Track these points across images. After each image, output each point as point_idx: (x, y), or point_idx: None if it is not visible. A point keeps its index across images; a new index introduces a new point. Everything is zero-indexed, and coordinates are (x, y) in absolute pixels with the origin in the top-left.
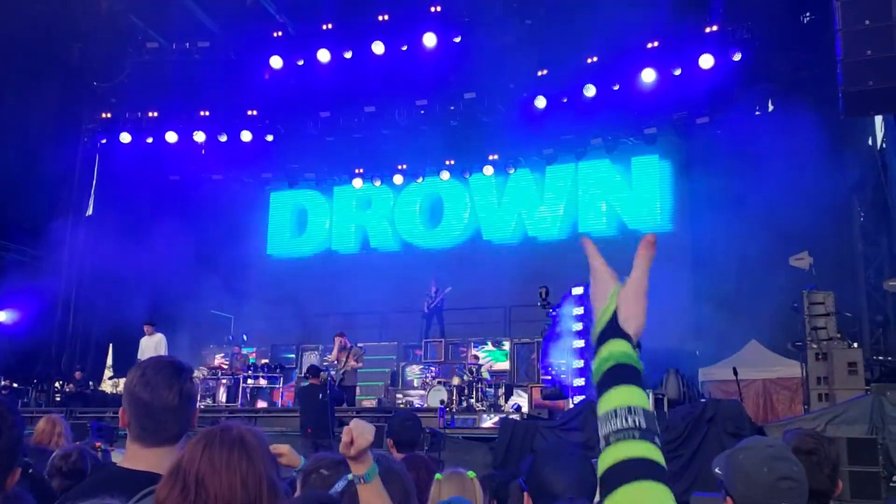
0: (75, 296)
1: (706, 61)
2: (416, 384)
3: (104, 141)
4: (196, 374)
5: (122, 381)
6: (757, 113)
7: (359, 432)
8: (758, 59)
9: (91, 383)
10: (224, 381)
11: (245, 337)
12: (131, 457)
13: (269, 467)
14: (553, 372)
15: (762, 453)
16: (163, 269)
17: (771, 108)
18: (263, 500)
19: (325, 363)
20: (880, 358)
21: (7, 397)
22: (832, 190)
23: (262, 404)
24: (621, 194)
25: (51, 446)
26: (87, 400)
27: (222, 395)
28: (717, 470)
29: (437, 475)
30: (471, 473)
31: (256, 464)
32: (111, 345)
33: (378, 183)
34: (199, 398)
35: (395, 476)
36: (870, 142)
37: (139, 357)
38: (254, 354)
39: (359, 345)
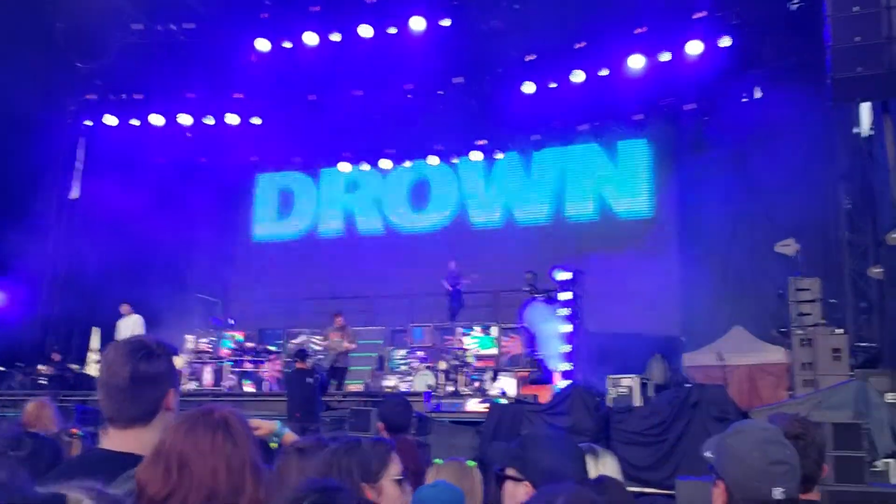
0: (60, 279)
1: (694, 47)
2: (402, 369)
3: (89, 123)
4: (181, 358)
5: None
6: (744, 100)
7: None
8: (746, 46)
9: (75, 366)
10: (210, 364)
11: (231, 321)
12: (108, 438)
13: (253, 451)
14: (539, 357)
15: (755, 437)
16: (149, 253)
17: (759, 94)
18: (247, 484)
19: (319, 344)
20: (864, 344)
21: None
22: (819, 177)
23: (248, 388)
24: (608, 180)
25: (38, 430)
26: (65, 382)
27: (208, 379)
28: (707, 454)
29: (437, 459)
30: (471, 462)
31: (241, 447)
32: (96, 328)
33: (366, 167)
34: (170, 376)
35: None
36: (856, 129)
37: (116, 339)
38: (242, 334)
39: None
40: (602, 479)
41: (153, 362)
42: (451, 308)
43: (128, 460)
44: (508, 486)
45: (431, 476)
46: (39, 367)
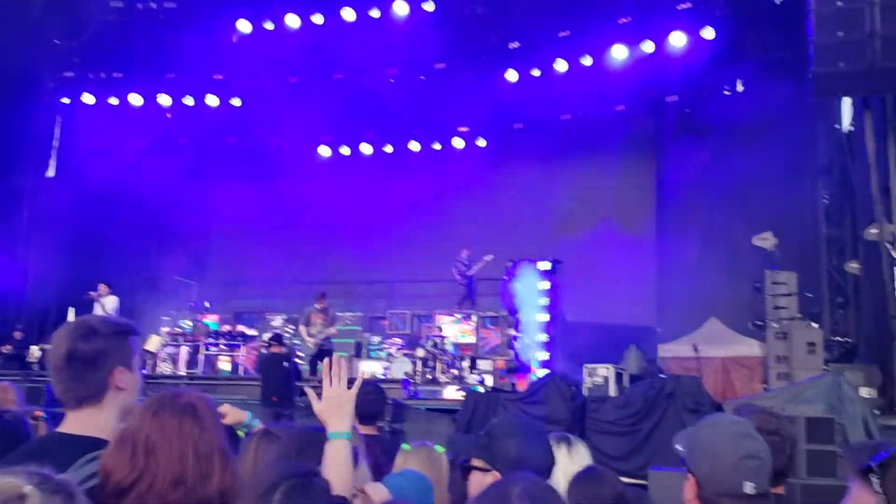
0: (35, 258)
1: (678, 39)
2: (380, 355)
3: (66, 101)
4: (156, 339)
5: None
6: (727, 93)
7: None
8: (730, 39)
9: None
10: (185, 347)
11: (207, 304)
12: (68, 421)
13: (220, 435)
14: (517, 346)
15: (727, 430)
16: (126, 234)
17: (741, 88)
18: (215, 470)
19: (301, 333)
20: (839, 339)
21: None
22: (799, 171)
23: (223, 365)
24: (588, 169)
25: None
26: (24, 362)
27: (183, 363)
28: (678, 447)
29: (405, 445)
30: (438, 448)
31: (208, 431)
32: (72, 308)
33: (346, 150)
34: (115, 354)
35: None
36: (837, 125)
37: None
38: (218, 317)
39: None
40: (591, 469)
41: (92, 340)
42: (470, 298)
43: (85, 443)
44: (476, 476)
45: (400, 461)
46: (1, 347)
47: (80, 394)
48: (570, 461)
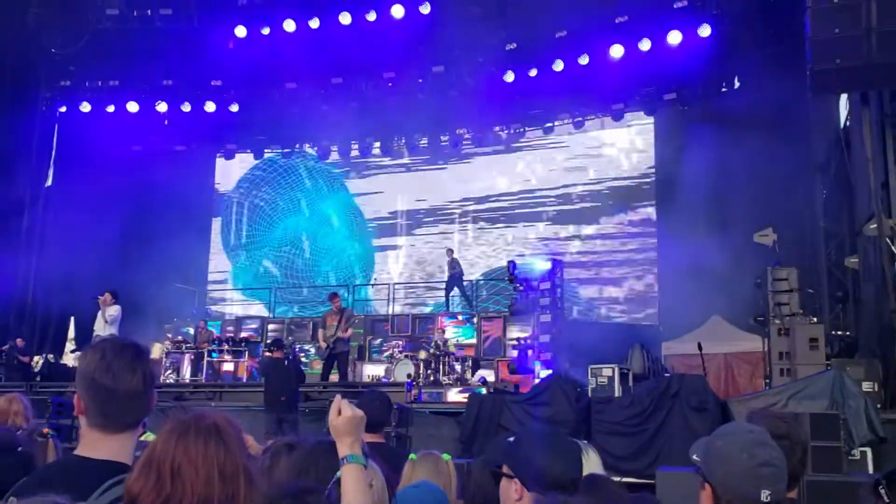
0: (35, 268)
1: (674, 37)
2: (381, 357)
3: (63, 109)
4: (159, 347)
5: None
6: (724, 90)
7: (337, 411)
8: (726, 36)
9: (52, 356)
10: (189, 355)
11: (210, 311)
12: (89, 444)
13: (245, 456)
14: (520, 346)
15: (742, 439)
16: (126, 241)
17: (738, 85)
18: (241, 490)
19: (318, 334)
20: (840, 333)
21: None
22: (797, 167)
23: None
24: (586, 168)
25: (9, 426)
26: (28, 373)
27: (186, 370)
28: (694, 457)
29: (412, 455)
30: (445, 455)
31: (233, 452)
32: (73, 318)
33: (343, 155)
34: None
35: None
36: (834, 120)
37: (95, 329)
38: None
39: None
40: (594, 479)
41: (153, 367)
42: (464, 296)
43: (106, 468)
44: (503, 482)
45: (408, 471)
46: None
47: (135, 418)
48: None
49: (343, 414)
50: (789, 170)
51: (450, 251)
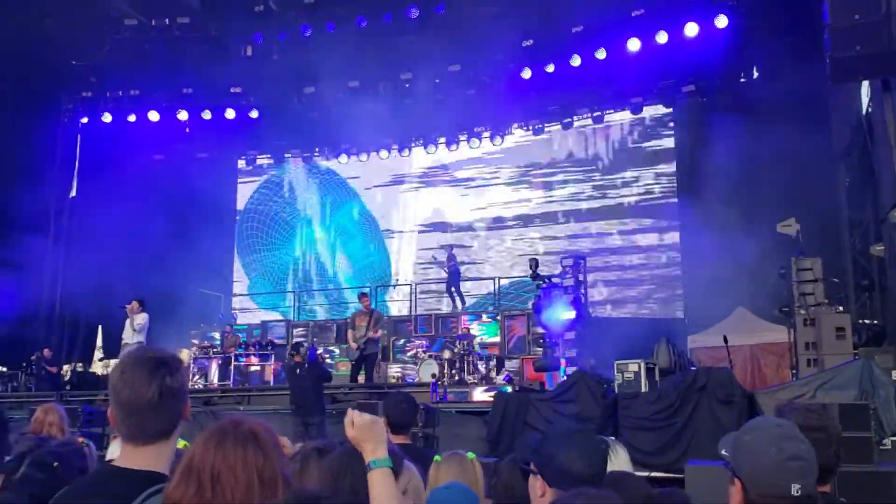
0: (62, 278)
1: (691, 29)
2: (405, 358)
3: (85, 121)
4: (187, 353)
5: (113, 362)
6: (742, 80)
7: (351, 423)
8: (743, 26)
9: (80, 365)
10: (216, 360)
11: (235, 315)
12: (125, 456)
13: (282, 461)
14: (545, 343)
15: (770, 433)
16: (150, 249)
17: (756, 74)
18: (280, 495)
19: (347, 335)
20: (867, 322)
21: None
22: (819, 156)
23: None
24: (606, 162)
25: (43, 436)
26: (57, 383)
27: (214, 375)
28: (723, 452)
29: (437, 457)
30: (470, 454)
31: (270, 458)
32: (100, 326)
33: (364, 157)
34: (187, 388)
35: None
36: (856, 107)
37: (123, 337)
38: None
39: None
40: (617, 476)
41: (176, 377)
42: (457, 292)
43: (144, 477)
44: (530, 479)
45: (433, 473)
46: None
47: (161, 429)
48: (610, 465)
49: (356, 423)
50: (811, 159)
51: (450, 247)
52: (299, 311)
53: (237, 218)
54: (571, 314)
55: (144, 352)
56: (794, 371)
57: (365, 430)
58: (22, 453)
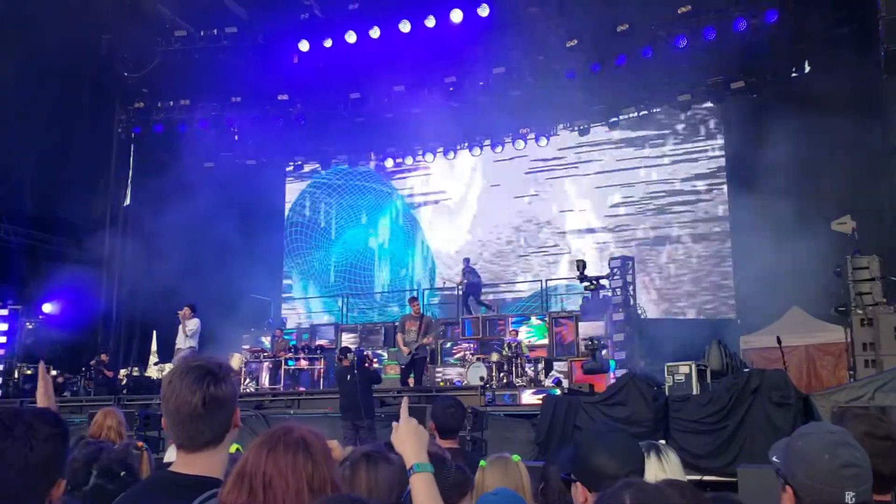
0: (117, 285)
1: (739, 24)
2: (453, 361)
3: (138, 131)
4: (238, 358)
5: (168, 366)
6: (794, 74)
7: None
8: (793, 19)
9: (136, 369)
10: (266, 363)
11: (285, 319)
12: (180, 462)
13: (332, 468)
14: (592, 346)
15: (823, 440)
16: (202, 255)
17: (808, 68)
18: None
19: (397, 339)
20: None
21: (46, 409)
22: (874, 150)
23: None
24: (656, 164)
25: (102, 440)
26: (114, 387)
27: (265, 379)
28: (774, 458)
29: (482, 462)
30: (515, 457)
31: (321, 465)
32: (155, 331)
33: (410, 161)
34: (236, 395)
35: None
36: None
37: (176, 342)
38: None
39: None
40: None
41: (221, 386)
42: (478, 302)
43: (199, 483)
44: (572, 488)
45: (479, 478)
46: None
47: (208, 438)
48: (660, 470)
49: (400, 426)
50: (867, 153)
51: (466, 260)
52: (346, 314)
53: (285, 222)
54: (620, 315)
55: (192, 361)
56: (852, 372)
57: (406, 433)
58: (87, 461)
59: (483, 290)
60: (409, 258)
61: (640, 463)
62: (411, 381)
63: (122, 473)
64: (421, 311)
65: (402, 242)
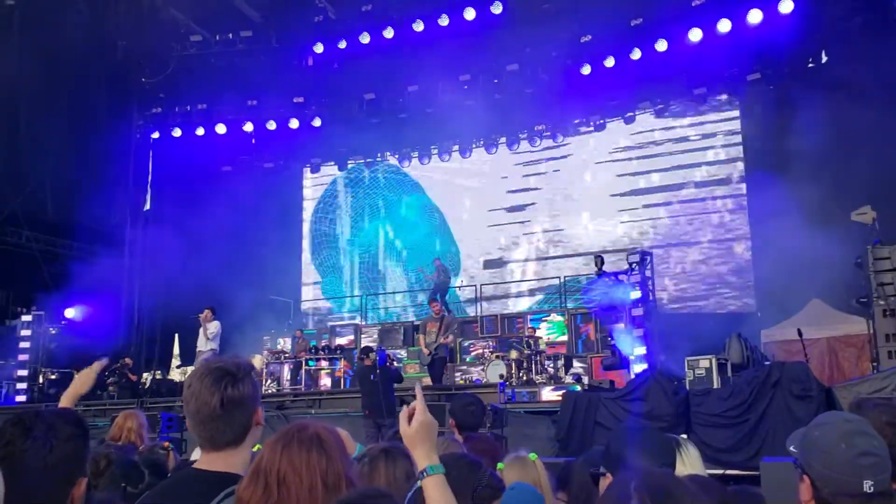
0: (139, 289)
1: (755, 16)
2: (472, 359)
3: (156, 136)
4: (259, 359)
5: (190, 369)
6: (811, 65)
7: (407, 422)
8: (810, 9)
9: (159, 372)
10: (287, 364)
11: (305, 320)
12: (204, 460)
13: (347, 464)
14: (613, 342)
15: (839, 429)
16: (222, 257)
17: (825, 59)
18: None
19: (418, 339)
20: None
21: (67, 409)
22: (893, 139)
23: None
24: (675, 158)
25: (122, 442)
26: (137, 390)
27: (286, 379)
28: (791, 448)
29: (500, 464)
30: (532, 455)
31: (335, 461)
32: (177, 334)
33: (426, 161)
34: (256, 395)
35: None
36: None
37: (198, 345)
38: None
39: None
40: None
41: (239, 387)
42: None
43: (222, 479)
44: (601, 482)
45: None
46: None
47: (229, 438)
48: (680, 464)
49: (420, 421)
50: (886, 142)
51: (436, 259)
52: (367, 313)
53: (304, 224)
54: (639, 311)
55: (212, 363)
56: (875, 364)
57: (425, 430)
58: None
59: (492, 284)
60: (427, 256)
61: (670, 457)
62: (426, 380)
63: (147, 473)
64: (442, 311)
65: (421, 240)
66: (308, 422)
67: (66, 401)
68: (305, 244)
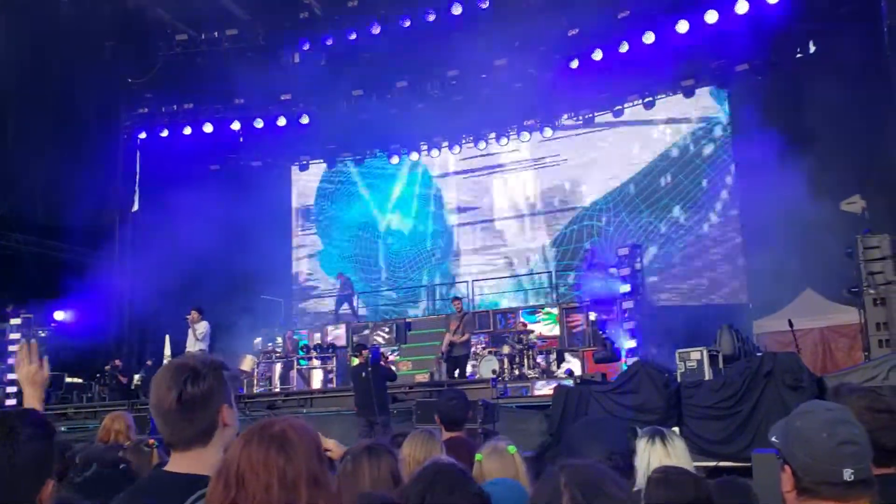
0: (130, 290)
1: (741, 6)
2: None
3: (143, 136)
4: (250, 359)
5: None
6: (799, 55)
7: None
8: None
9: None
10: (279, 364)
11: (296, 320)
12: (173, 461)
13: (311, 462)
14: (605, 334)
15: (821, 417)
16: (212, 258)
17: (813, 48)
18: (302, 497)
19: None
20: None
21: (30, 410)
22: (882, 129)
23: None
24: (663, 150)
25: (110, 443)
26: (127, 392)
27: (277, 379)
28: (773, 438)
29: (478, 455)
30: (510, 448)
31: (295, 461)
32: (167, 335)
33: (415, 156)
34: (222, 393)
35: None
36: None
37: (187, 346)
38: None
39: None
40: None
41: (199, 383)
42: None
43: (193, 481)
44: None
45: (477, 470)
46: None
47: (190, 435)
48: (665, 455)
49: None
50: (876, 132)
51: (340, 273)
52: (359, 311)
53: (295, 222)
54: (629, 304)
55: (177, 359)
56: (867, 353)
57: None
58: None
59: (484, 280)
60: (417, 252)
61: (620, 444)
62: (424, 376)
63: (113, 468)
64: (463, 309)
65: (412, 237)
66: (278, 419)
67: (32, 401)
68: (295, 242)
